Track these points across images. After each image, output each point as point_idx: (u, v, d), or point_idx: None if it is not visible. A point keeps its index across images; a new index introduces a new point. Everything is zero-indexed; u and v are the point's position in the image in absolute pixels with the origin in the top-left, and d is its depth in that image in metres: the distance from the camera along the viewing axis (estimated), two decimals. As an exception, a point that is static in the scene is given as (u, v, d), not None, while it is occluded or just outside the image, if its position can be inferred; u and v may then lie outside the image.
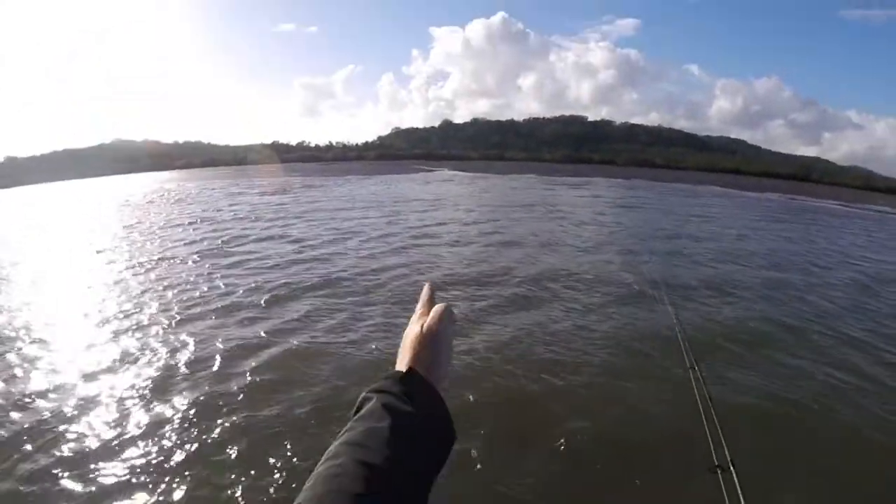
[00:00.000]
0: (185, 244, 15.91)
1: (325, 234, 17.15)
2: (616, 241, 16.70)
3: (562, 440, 5.23)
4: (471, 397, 6.09)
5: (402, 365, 0.93)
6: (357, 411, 0.81)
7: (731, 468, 2.78)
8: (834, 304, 10.58)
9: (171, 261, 13.52)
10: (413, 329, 1.00)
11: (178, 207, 27.11)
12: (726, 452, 2.90)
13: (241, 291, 10.54)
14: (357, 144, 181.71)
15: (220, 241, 16.11)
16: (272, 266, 12.76)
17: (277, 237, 16.87)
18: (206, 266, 12.74)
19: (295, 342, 7.84)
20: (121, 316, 9.17)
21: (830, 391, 6.59)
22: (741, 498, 2.55)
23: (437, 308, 1.04)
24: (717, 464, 2.86)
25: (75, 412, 5.86)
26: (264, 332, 8.23)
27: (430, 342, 0.96)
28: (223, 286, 10.98)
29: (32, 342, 8.05)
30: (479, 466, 4.82)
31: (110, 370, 6.99)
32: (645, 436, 5.40)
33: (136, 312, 9.34)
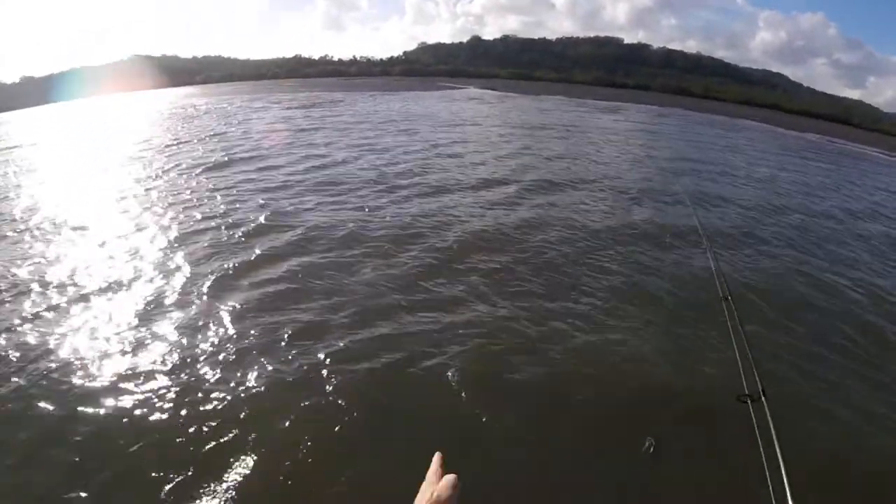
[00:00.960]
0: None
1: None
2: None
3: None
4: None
5: None
6: None
7: (763, 398, 2.77)
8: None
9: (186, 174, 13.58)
10: (423, 497, 1.08)
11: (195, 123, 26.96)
12: (758, 381, 2.89)
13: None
14: (382, 59, 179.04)
15: (225, 156, 16.09)
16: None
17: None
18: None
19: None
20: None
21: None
22: (771, 427, 2.56)
23: (448, 478, 1.10)
24: (747, 392, 2.85)
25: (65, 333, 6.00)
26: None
27: None
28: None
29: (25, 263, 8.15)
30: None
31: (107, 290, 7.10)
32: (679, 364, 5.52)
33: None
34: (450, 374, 5.10)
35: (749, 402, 2.78)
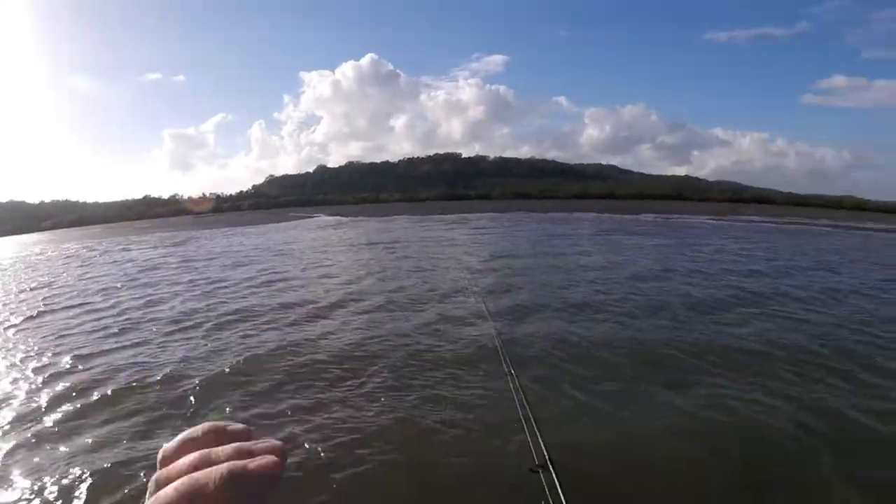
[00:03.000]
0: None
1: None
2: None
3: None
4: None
5: None
6: None
7: (550, 466, 2.77)
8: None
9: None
10: None
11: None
12: (544, 451, 2.90)
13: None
14: (231, 195, 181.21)
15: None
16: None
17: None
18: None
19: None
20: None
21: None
22: (560, 494, 2.54)
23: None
24: (537, 463, 2.85)
25: None
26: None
27: None
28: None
29: None
30: None
31: None
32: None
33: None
34: None
35: (540, 472, 2.78)
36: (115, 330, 11.51)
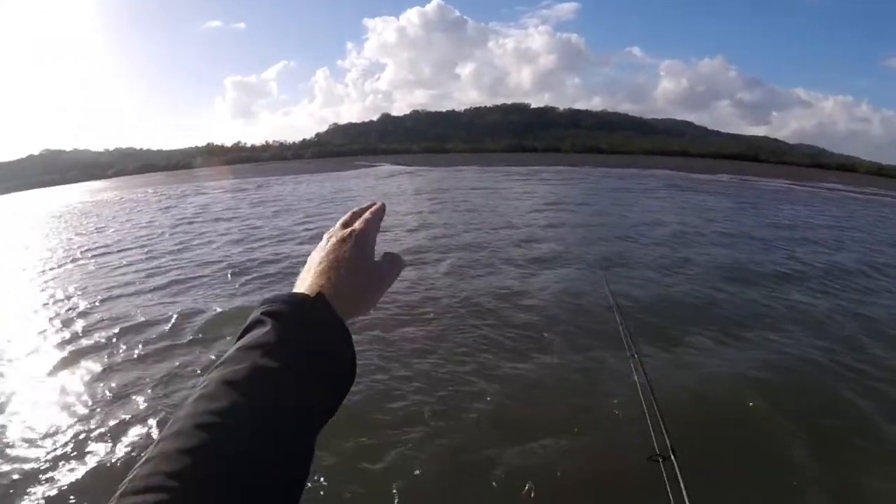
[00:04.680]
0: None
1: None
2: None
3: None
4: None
5: (313, 279, 0.80)
6: (246, 331, 0.70)
7: (672, 456, 2.81)
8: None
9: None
10: (337, 234, 0.88)
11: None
12: (667, 440, 2.94)
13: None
14: (294, 143, 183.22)
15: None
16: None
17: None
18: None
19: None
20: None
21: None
22: (682, 486, 2.58)
23: (375, 209, 0.94)
24: (657, 452, 2.88)
25: None
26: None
27: (354, 255, 0.84)
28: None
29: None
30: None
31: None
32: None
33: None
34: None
35: (660, 461, 2.82)
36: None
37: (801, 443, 5.19)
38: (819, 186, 44.24)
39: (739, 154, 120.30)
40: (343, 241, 0.85)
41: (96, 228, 22.60)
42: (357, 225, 0.89)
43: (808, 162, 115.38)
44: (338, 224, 0.91)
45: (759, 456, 5.03)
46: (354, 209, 0.95)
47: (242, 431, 0.58)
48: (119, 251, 15.87)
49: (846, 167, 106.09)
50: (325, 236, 0.89)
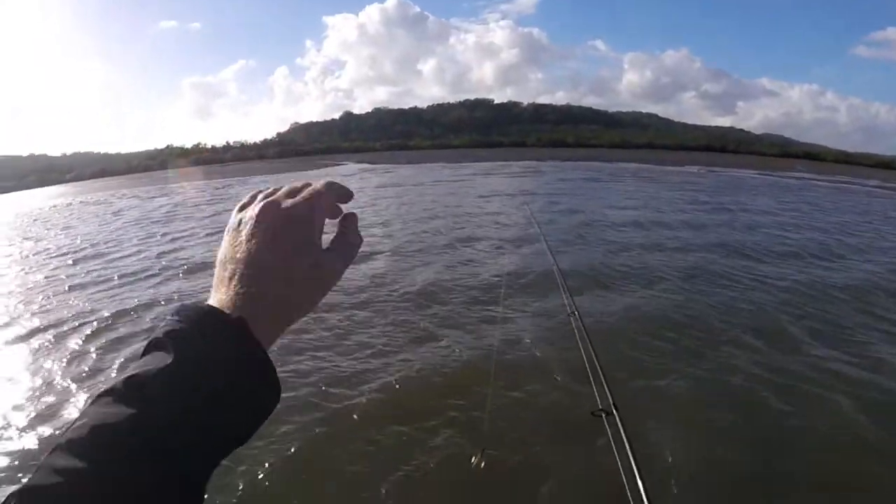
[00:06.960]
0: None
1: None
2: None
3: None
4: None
5: (232, 288, 0.61)
6: (148, 349, 0.55)
7: (615, 412, 2.75)
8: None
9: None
10: (264, 210, 0.66)
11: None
12: (609, 397, 2.87)
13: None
14: (256, 143, 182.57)
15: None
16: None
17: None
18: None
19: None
20: None
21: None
22: (625, 440, 2.52)
23: (320, 183, 0.70)
24: (600, 407, 2.82)
25: None
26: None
27: (284, 245, 0.64)
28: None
29: None
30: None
31: None
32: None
33: None
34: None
35: (603, 416, 2.76)
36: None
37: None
38: (787, 176, 45.28)
39: (707, 145, 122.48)
40: (266, 224, 0.65)
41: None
42: (290, 201, 0.66)
43: (777, 152, 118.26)
44: (260, 196, 0.69)
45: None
46: (294, 182, 0.71)
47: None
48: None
49: (812, 156, 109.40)
50: (237, 215, 0.68)
